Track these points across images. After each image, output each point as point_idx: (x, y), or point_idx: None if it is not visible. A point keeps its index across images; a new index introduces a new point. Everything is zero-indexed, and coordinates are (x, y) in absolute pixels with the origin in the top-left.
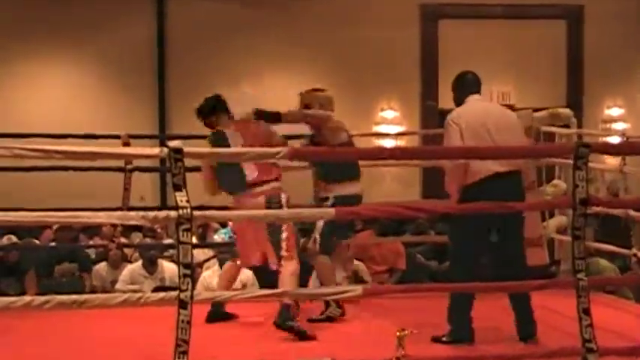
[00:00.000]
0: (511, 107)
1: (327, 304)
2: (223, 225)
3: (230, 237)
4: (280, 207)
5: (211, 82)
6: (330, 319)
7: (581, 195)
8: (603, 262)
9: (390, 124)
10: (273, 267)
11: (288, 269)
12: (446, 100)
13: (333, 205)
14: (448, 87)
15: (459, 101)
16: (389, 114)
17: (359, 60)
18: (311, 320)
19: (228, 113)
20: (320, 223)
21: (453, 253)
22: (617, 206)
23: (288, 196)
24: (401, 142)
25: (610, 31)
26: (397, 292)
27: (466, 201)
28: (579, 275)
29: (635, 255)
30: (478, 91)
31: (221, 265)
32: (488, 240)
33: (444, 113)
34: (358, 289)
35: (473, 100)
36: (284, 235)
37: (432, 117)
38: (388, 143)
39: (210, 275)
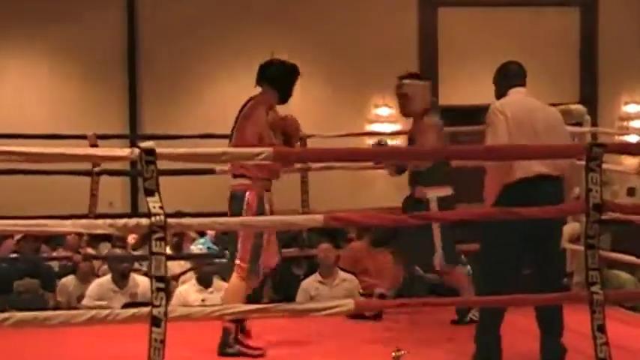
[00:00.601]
0: None
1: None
2: (202, 234)
3: (209, 248)
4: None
5: (187, 79)
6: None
7: (594, 200)
8: (623, 275)
9: (385, 122)
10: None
11: (233, 282)
12: (446, 95)
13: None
14: (448, 81)
15: (499, 94)
16: (384, 111)
17: (350, 52)
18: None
19: None
20: (437, 239)
21: (481, 263)
22: (636, 212)
23: (269, 198)
24: (397, 142)
25: (627, 20)
26: (392, 307)
27: (500, 204)
28: (593, 288)
29: None
30: (522, 84)
31: (199, 278)
32: (521, 252)
33: (444, 110)
34: (350, 303)
35: (516, 92)
36: (240, 241)
37: (431, 114)
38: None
39: (187, 290)
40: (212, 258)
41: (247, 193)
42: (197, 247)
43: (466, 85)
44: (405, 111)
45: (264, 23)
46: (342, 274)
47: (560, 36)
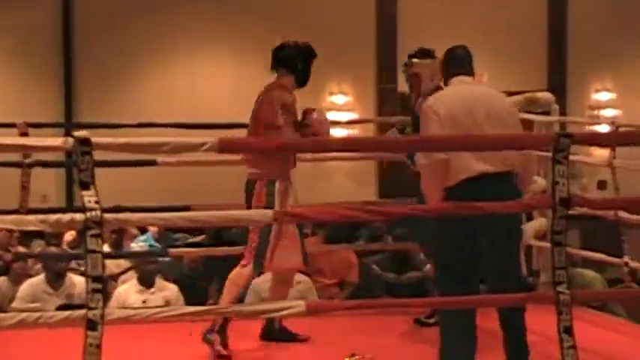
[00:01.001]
0: None
1: None
2: (143, 231)
3: (151, 245)
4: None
5: (127, 64)
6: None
7: (561, 194)
8: (589, 274)
9: (341, 110)
10: None
11: (235, 271)
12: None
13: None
14: None
15: (445, 83)
16: (339, 99)
17: (304, 35)
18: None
19: None
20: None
21: (436, 266)
22: (606, 207)
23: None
24: (354, 132)
25: (597, 4)
26: (348, 308)
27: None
28: (560, 288)
29: (626, 264)
30: (467, 72)
31: (140, 277)
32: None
33: (404, 98)
34: (301, 305)
35: (458, 82)
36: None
37: (390, 102)
38: (339, 133)
39: (127, 290)
40: (154, 256)
41: (257, 184)
42: (138, 244)
43: None
44: (416, 91)
45: (209, 6)
46: (296, 276)
47: (528, 21)
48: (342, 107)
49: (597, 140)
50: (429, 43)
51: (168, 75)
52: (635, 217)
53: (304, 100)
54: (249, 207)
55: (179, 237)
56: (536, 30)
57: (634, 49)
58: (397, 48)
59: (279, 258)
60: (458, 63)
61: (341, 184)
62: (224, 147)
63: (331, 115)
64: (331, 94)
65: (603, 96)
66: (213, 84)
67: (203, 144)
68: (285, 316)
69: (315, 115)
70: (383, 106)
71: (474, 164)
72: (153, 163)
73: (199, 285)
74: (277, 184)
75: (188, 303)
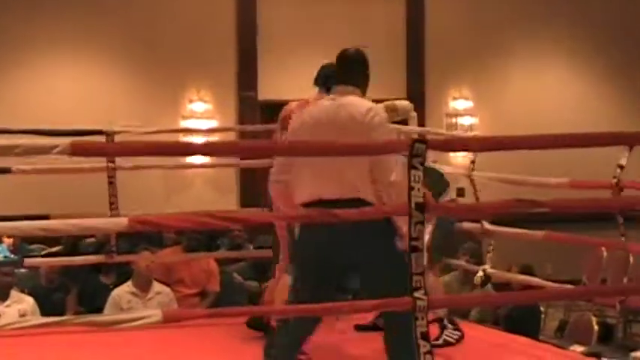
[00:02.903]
0: None
1: (442, 327)
2: None
3: (5, 256)
4: None
5: None
6: (448, 344)
7: (417, 199)
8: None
9: (201, 118)
10: None
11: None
12: (267, 89)
13: None
14: (268, 74)
15: None
16: (199, 106)
17: (163, 42)
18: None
19: None
20: None
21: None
22: (461, 212)
23: None
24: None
25: (454, 10)
26: (207, 316)
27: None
28: (417, 294)
29: (484, 271)
30: (347, 81)
31: None
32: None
33: (264, 106)
34: (157, 314)
35: (333, 93)
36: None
37: (251, 110)
38: (198, 141)
39: None
40: (9, 267)
41: None
42: None
43: (286, 80)
44: None
45: (73, 7)
46: (156, 286)
47: (387, 27)
48: (201, 115)
49: (451, 146)
50: (288, 46)
51: (27, 79)
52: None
53: (162, 105)
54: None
55: (35, 248)
56: (394, 36)
57: (491, 57)
58: (257, 52)
59: None
60: (341, 70)
61: (201, 192)
62: (77, 150)
63: (190, 123)
64: (190, 101)
65: (461, 104)
66: (77, 91)
67: (55, 146)
68: (142, 325)
69: None
70: (243, 115)
71: (310, 188)
72: (7, 170)
73: (56, 296)
74: None
75: (44, 315)
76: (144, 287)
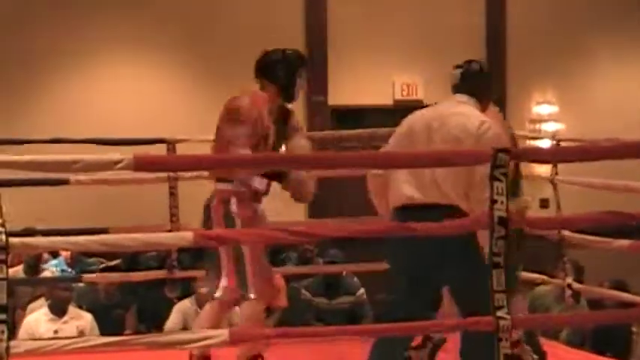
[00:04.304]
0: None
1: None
2: (54, 255)
3: (63, 270)
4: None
5: (33, 74)
6: None
7: (499, 212)
8: (539, 289)
9: None
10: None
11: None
12: (338, 93)
13: None
14: (338, 78)
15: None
16: None
17: (223, 39)
18: None
19: None
20: None
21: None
22: (547, 227)
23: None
24: None
25: (536, 9)
26: (275, 337)
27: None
28: (499, 313)
29: (569, 286)
30: (464, 91)
31: (52, 305)
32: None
33: (335, 111)
34: (224, 334)
35: (448, 100)
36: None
37: (322, 116)
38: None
39: (37, 319)
40: (67, 282)
41: (233, 201)
42: (49, 269)
43: (358, 83)
44: None
45: (120, 8)
46: None
47: (465, 28)
48: None
49: (538, 156)
50: (361, 51)
51: (80, 86)
52: (578, 236)
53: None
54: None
55: (93, 261)
56: (474, 37)
57: (576, 59)
58: (327, 57)
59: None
60: (461, 79)
61: (265, 201)
62: (140, 165)
63: None
64: None
65: (544, 109)
66: (137, 96)
67: (117, 162)
68: (208, 346)
69: None
70: (313, 121)
71: (403, 189)
72: (65, 182)
73: (115, 313)
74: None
75: (103, 333)
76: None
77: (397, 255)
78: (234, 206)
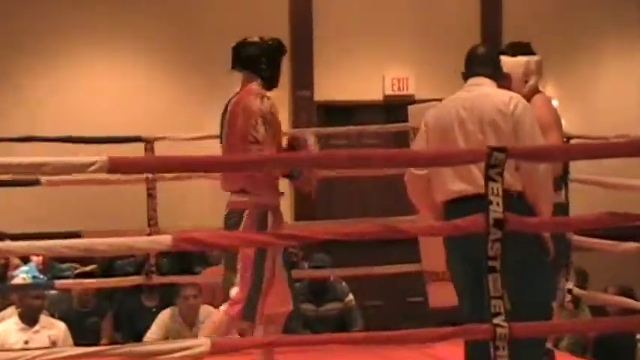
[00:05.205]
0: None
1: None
2: (25, 260)
3: (34, 277)
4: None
5: (5, 70)
6: None
7: (495, 214)
8: None
9: None
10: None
11: (218, 319)
12: (324, 88)
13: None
14: (324, 72)
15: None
16: None
17: (205, 32)
18: None
19: None
20: None
21: None
22: (546, 228)
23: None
24: None
25: (536, 2)
26: (259, 346)
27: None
28: (496, 320)
29: (569, 291)
30: (479, 72)
31: (22, 314)
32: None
33: (321, 107)
34: (205, 343)
35: (466, 85)
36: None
37: (307, 112)
38: None
39: (7, 329)
40: (38, 289)
41: (246, 212)
42: (20, 276)
43: (346, 78)
44: None
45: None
46: (205, 310)
47: (458, 17)
48: None
49: (536, 154)
50: (349, 43)
51: (53, 83)
52: (584, 238)
53: (206, 108)
54: None
55: (67, 267)
56: (467, 28)
57: (578, 50)
58: (313, 50)
59: (270, 304)
60: (470, 64)
61: None
62: (115, 167)
63: None
64: None
65: None
66: (113, 92)
67: (91, 164)
68: (188, 356)
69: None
70: (298, 117)
71: (449, 183)
72: (36, 182)
73: (90, 322)
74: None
75: (77, 343)
76: (190, 319)
77: (459, 245)
78: (247, 220)
